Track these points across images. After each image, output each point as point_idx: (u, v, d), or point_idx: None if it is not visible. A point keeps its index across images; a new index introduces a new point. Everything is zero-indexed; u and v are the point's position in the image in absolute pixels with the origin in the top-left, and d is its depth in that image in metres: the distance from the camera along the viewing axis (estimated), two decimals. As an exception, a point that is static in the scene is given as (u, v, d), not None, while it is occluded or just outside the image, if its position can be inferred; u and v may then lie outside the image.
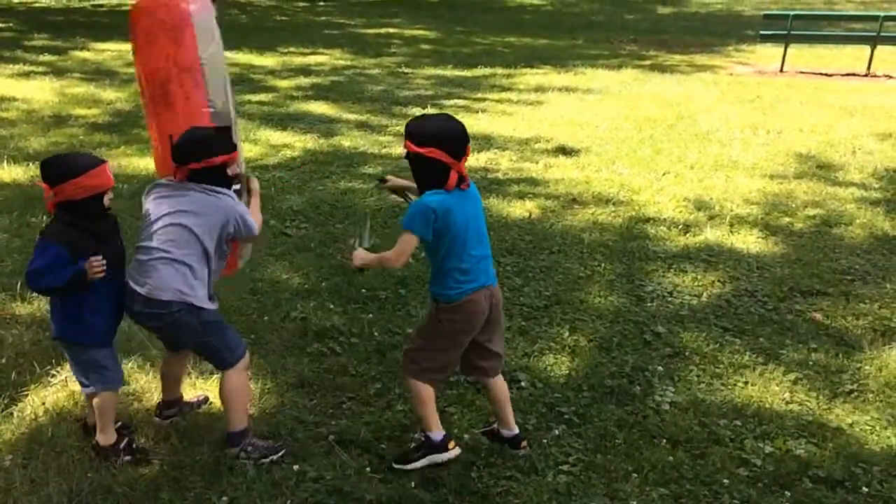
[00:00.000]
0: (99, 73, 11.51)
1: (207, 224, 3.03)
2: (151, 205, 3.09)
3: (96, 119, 8.90)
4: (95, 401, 3.14)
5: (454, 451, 3.17)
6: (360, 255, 3.09)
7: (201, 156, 3.01)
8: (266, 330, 4.29)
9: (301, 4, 23.55)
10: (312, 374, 3.86)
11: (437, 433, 3.15)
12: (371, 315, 4.51)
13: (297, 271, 5.06)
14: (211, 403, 3.59)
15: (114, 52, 13.48)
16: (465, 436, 3.40)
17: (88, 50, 13.63)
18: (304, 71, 12.21)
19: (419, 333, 3.20)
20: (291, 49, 14.32)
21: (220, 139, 3.13)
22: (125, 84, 10.73)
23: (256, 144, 7.99)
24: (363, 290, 4.80)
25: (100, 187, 2.92)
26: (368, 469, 3.18)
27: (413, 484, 3.10)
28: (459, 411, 3.60)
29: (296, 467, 3.18)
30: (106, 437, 3.19)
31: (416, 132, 2.94)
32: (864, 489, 3.11)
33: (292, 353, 4.06)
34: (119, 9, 20.93)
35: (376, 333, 4.30)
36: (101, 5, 21.80)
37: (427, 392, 3.11)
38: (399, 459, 3.20)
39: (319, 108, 9.71)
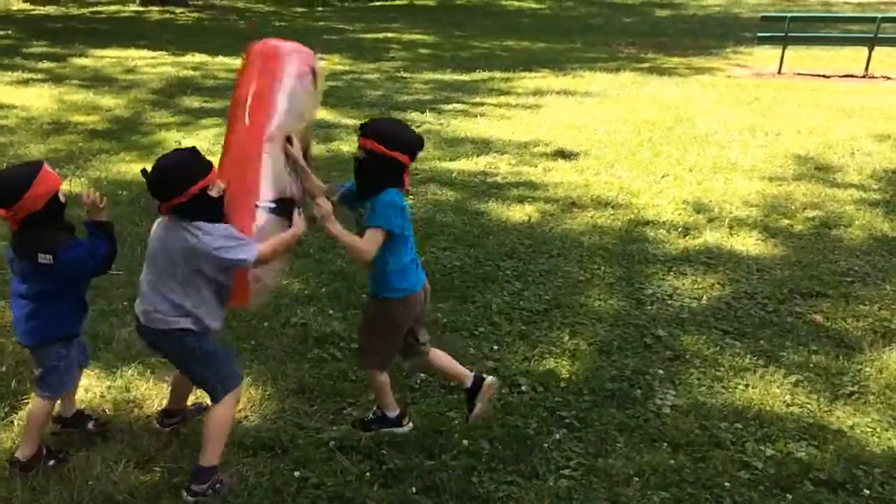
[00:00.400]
0: (98, 80, 11.52)
1: (186, 258, 2.93)
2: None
3: (95, 126, 8.91)
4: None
5: (408, 427, 3.48)
6: (337, 226, 3.08)
7: (182, 187, 2.86)
8: (266, 336, 4.29)
9: (299, 10, 23.59)
10: (313, 380, 3.86)
11: (394, 411, 3.47)
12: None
13: (296, 277, 5.06)
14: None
15: (112, 58, 13.50)
16: (465, 441, 3.40)
17: (87, 57, 13.64)
18: (303, 76, 12.18)
19: (370, 331, 3.39)
20: (290, 54, 14.30)
21: (197, 161, 2.96)
22: (124, 91, 10.75)
23: (255, 150, 7.98)
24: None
25: (52, 189, 2.98)
26: (369, 475, 3.18)
27: (414, 490, 3.10)
28: (460, 416, 3.60)
29: (297, 473, 3.17)
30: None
31: (387, 136, 3.09)
32: (866, 491, 3.11)
33: (293, 358, 4.06)
34: (117, 16, 20.99)
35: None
36: (100, 12, 21.84)
37: (385, 378, 3.43)
38: (358, 424, 3.49)
39: (319, 113, 9.69)
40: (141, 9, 22.43)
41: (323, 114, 9.65)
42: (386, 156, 3.07)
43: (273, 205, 3.11)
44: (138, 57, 13.66)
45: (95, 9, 22.70)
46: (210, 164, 2.99)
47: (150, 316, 3.00)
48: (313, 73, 3.32)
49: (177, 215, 2.92)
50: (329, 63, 13.58)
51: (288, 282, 4.99)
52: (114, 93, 10.61)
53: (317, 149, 8.03)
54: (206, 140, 8.39)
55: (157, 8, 22.13)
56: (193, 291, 2.97)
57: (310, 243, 5.61)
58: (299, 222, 3.10)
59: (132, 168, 7.27)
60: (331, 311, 4.60)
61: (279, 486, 3.10)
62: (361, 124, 3.20)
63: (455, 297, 4.78)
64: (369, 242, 3.10)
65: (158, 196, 2.92)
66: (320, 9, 23.92)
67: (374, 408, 3.55)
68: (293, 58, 3.28)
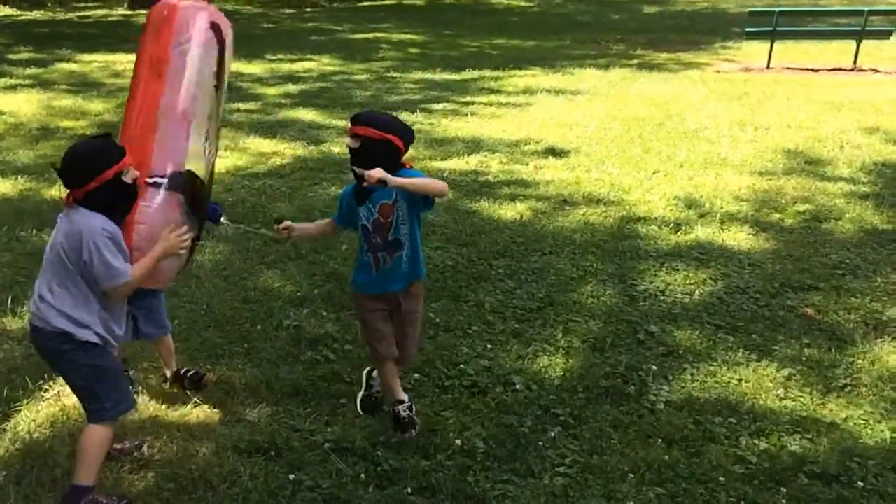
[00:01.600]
0: (85, 85, 11.47)
1: (71, 248, 2.80)
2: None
3: (84, 131, 8.86)
4: None
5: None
6: (396, 179, 3.10)
7: (93, 172, 2.76)
8: (259, 339, 4.28)
9: (288, 11, 23.55)
10: (307, 383, 3.85)
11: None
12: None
13: (289, 279, 5.05)
14: (211, 408, 3.57)
15: (100, 63, 13.45)
16: (458, 441, 3.39)
17: (75, 62, 13.59)
18: (292, 78, 12.19)
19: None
20: (279, 56, 14.31)
21: (110, 146, 2.86)
22: (112, 95, 10.70)
23: (245, 153, 7.97)
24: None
25: None
26: (364, 476, 3.17)
27: (409, 490, 3.09)
28: (455, 415, 3.59)
29: (291, 476, 3.17)
30: None
31: (377, 121, 3.20)
32: (860, 483, 3.12)
33: (286, 361, 4.05)
34: (105, 20, 20.91)
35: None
36: (87, 17, 21.76)
37: None
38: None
39: (308, 114, 9.70)
40: (129, 12, 22.36)
41: (312, 115, 9.66)
42: (380, 139, 3.13)
43: (163, 179, 2.97)
44: (126, 61, 13.59)
45: (82, 13, 22.62)
46: (123, 150, 2.87)
47: (40, 321, 2.86)
48: (220, 35, 3.25)
49: (86, 206, 2.79)
50: (318, 64, 13.57)
51: (280, 284, 4.99)
52: (102, 97, 10.57)
53: (308, 150, 8.04)
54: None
55: (144, 12, 22.02)
56: (92, 292, 2.83)
57: (302, 245, 5.60)
58: (169, 236, 2.91)
59: (122, 172, 7.24)
60: (324, 313, 4.59)
61: (274, 488, 3.09)
62: (352, 116, 3.26)
63: (448, 297, 4.78)
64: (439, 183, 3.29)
65: (69, 183, 2.81)
66: (309, 10, 23.89)
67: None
68: (197, 18, 3.17)
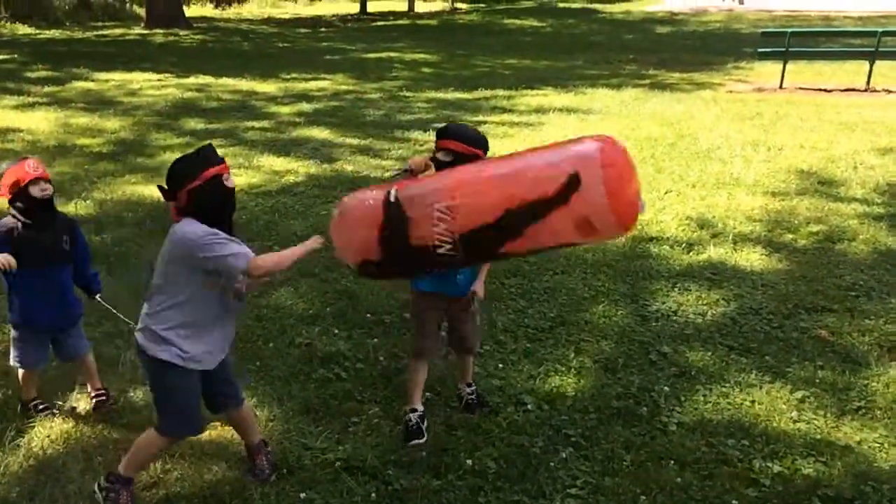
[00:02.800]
0: (102, 103, 11.61)
1: (170, 260, 2.90)
2: None
3: (100, 149, 8.97)
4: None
5: None
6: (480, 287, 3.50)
7: (190, 175, 2.85)
8: (271, 356, 4.30)
9: (302, 31, 23.79)
10: (318, 401, 3.86)
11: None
12: (376, 340, 4.52)
13: (301, 297, 5.07)
14: (223, 426, 3.58)
15: (116, 81, 13.62)
16: (469, 461, 3.39)
17: (91, 80, 13.77)
18: (306, 97, 12.30)
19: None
20: (293, 75, 14.44)
21: (208, 152, 2.95)
22: (128, 113, 10.83)
23: (259, 171, 8.03)
24: (368, 315, 4.80)
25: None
26: (375, 496, 3.17)
27: (420, 510, 3.09)
28: (465, 434, 3.59)
29: (302, 495, 3.17)
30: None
31: (467, 136, 3.34)
32: (874, 507, 3.09)
33: (297, 379, 4.06)
34: (122, 39, 21.18)
35: (381, 358, 4.30)
36: (104, 35, 22.05)
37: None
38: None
39: (321, 133, 9.77)
40: (145, 31, 22.65)
41: (326, 134, 9.73)
42: (470, 154, 3.27)
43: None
44: (142, 79, 13.78)
45: (99, 32, 22.92)
46: (219, 157, 2.96)
47: (139, 337, 2.97)
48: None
49: (188, 215, 2.86)
50: (332, 83, 13.68)
51: (293, 302, 5.01)
52: (118, 115, 10.70)
53: (321, 168, 8.09)
54: (211, 161, 8.43)
55: (161, 31, 22.33)
56: (181, 307, 2.88)
57: (315, 262, 5.63)
58: (313, 241, 3.03)
59: (137, 190, 7.32)
60: (336, 331, 4.61)
61: (285, 507, 3.09)
62: (439, 129, 3.39)
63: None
64: None
65: (168, 194, 2.89)
66: (323, 29, 24.12)
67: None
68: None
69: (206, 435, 3.55)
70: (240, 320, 4.64)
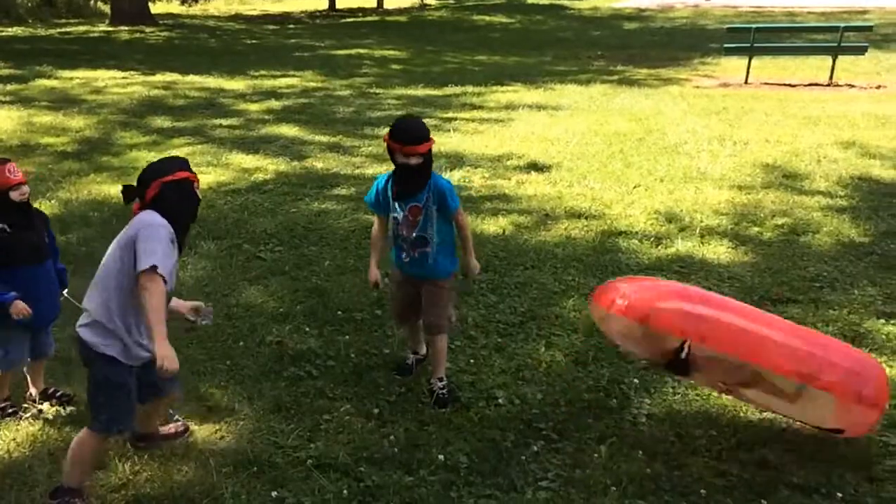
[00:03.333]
0: (66, 101, 11.43)
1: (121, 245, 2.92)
2: None
3: (65, 147, 8.83)
4: None
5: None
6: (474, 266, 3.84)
7: (166, 171, 3.00)
8: (242, 355, 4.27)
9: (270, 27, 23.59)
10: (289, 399, 3.84)
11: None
12: (347, 337, 4.50)
13: (271, 295, 5.04)
14: (190, 434, 3.55)
15: (81, 79, 13.40)
16: (441, 456, 3.39)
17: (55, 78, 13.54)
18: (275, 94, 12.21)
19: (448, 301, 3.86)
20: (262, 72, 14.33)
21: (175, 161, 3.11)
22: (93, 112, 10.67)
23: (228, 169, 7.96)
24: (339, 312, 4.79)
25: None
26: (347, 493, 3.16)
27: (392, 506, 3.09)
28: (437, 430, 3.60)
29: (274, 493, 3.15)
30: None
31: (426, 130, 3.57)
32: (839, 495, 3.15)
33: (268, 377, 4.04)
34: (86, 36, 20.84)
35: (353, 355, 4.29)
36: (68, 33, 21.68)
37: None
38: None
39: (290, 130, 9.71)
40: (110, 28, 22.31)
41: (295, 131, 9.68)
42: (431, 146, 3.57)
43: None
44: (107, 77, 13.58)
45: (63, 29, 22.54)
46: (184, 164, 3.08)
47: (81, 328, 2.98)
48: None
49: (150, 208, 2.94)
50: (301, 80, 13.60)
51: (263, 300, 4.98)
52: (82, 114, 10.54)
53: (290, 166, 8.04)
54: (178, 159, 8.34)
55: (126, 27, 22.02)
56: (125, 298, 2.87)
57: (285, 260, 5.61)
58: (169, 357, 2.73)
59: (103, 189, 7.22)
60: (307, 329, 4.59)
61: (256, 506, 3.08)
62: (406, 136, 3.52)
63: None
64: (467, 224, 3.84)
65: (135, 190, 2.98)
66: (292, 26, 23.95)
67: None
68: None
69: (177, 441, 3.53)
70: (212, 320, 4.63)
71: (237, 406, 3.77)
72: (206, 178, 7.66)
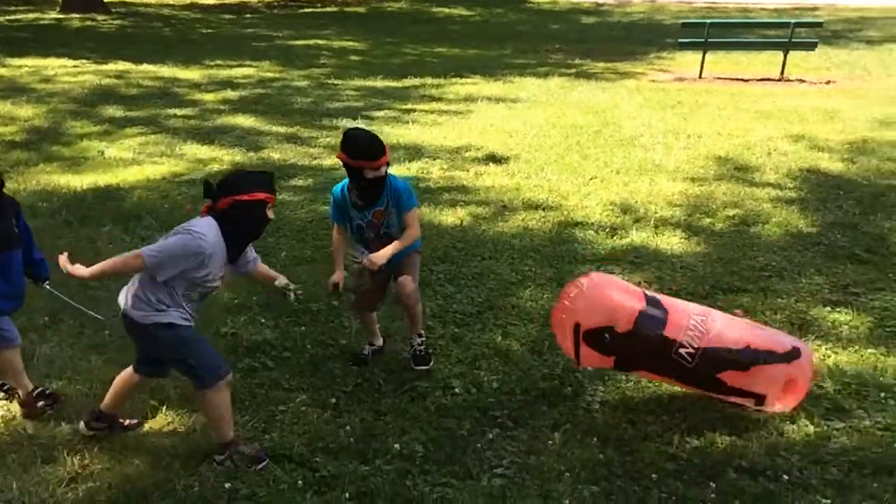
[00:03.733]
0: (14, 90, 11.13)
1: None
2: None
3: (13, 137, 8.60)
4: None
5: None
6: (381, 255, 3.67)
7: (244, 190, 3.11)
8: (195, 347, 4.21)
9: (227, 17, 23.22)
10: (244, 390, 3.81)
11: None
12: (304, 328, 4.48)
13: (226, 287, 4.97)
14: (145, 419, 3.50)
15: (30, 67, 13.06)
16: (397, 445, 3.40)
17: (3, 66, 13.16)
18: (231, 84, 12.04)
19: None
20: (217, 62, 14.11)
21: (255, 178, 3.22)
22: (42, 101, 10.41)
23: (182, 159, 7.84)
24: (295, 304, 4.75)
25: None
26: (302, 483, 3.16)
27: (347, 496, 3.09)
28: (394, 420, 3.60)
29: (227, 485, 3.13)
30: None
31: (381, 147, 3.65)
32: (785, 477, 3.23)
33: (223, 369, 4.00)
34: (36, 23, 20.28)
35: (309, 346, 4.27)
36: (18, 20, 21.08)
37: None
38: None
39: (247, 121, 9.59)
40: (61, 16, 21.74)
41: (251, 121, 9.56)
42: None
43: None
44: (58, 66, 13.25)
45: (12, 16, 21.90)
46: (266, 184, 3.20)
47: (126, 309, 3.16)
48: None
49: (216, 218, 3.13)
50: (258, 70, 13.43)
51: (218, 291, 4.91)
52: (31, 103, 10.27)
53: (247, 156, 7.96)
54: (130, 150, 8.20)
55: (77, 15, 21.47)
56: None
57: (240, 252, 5.54)
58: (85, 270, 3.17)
59: (52, 179, 7.05)
60: (262, 320, 4.55)
61: (209, 498, 3.05)
62: (373, 151, 3.60)
63: (388, 302, 4.77)
64: (415, 223, 3.80)
65: (211, 191, 3.14)
66: (249, 15, 23.60)
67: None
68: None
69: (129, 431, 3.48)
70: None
71: (190, 399, 3.72)
72: (160, 168, 7.54)
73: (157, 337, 3.11)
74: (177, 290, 3.08)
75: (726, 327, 3.60)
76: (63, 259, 3.21)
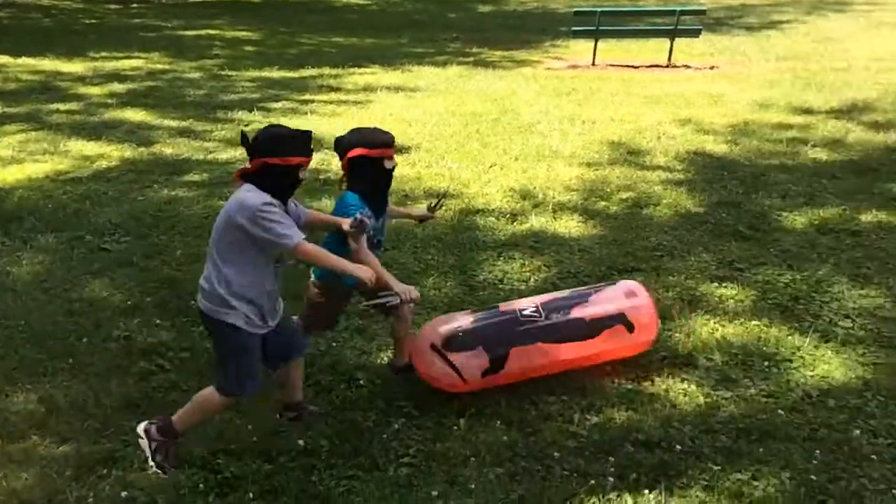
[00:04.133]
0: None
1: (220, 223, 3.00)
2: None
3: None
4: None
5: None
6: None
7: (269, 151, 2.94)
8: (86, 353, 4.04)
9: (112, 7, 22.21)
10: (140, 395, 3.68)
11: None
12: (202, 327, 4.34)
13: (118, 288, 4.80)
14: (33, 429, 3.33)
15: None
16: (301, 441, 3.37)
17: None
18: (118, 76, 11.55)
19: None
20: (103, 54, 13.50)
21: (299, 140, 3.02)
22: None
23: (67, 157, 7.48)
24: (192, 303, 4.59)
25: None
26: (203, 486, 3.08)
27: (251, 496, 3.04)
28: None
29: (124, 494, 3.02)
30: None
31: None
32: (678, 447, 3.37)
33: (116, 374, 3.85)
34: None
35: (208, 346, 4.13)
36: None
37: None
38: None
39: (137, 115, 9.22)
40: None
41: (141, 115, 9.21)
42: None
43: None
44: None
45: None
46: (311, 150, 3.04)
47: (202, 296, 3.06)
48: None
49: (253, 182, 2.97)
50: (147, 62, 12.93)
51: (109, 293, 4.73)
52: None
53: (137, 152, 7.66)
54: (10, 148, 7.76)
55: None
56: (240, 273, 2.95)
57: (132, 251, 5.34)
58: (366, 272, 3.04)
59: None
60: (158, 321, 4.40)
61: (106, 508, 2.94)
62: (388, 137, 3.44)
63: (290, 297, 4.69)
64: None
65: (249, 148, 2.98)
66: (135, 5, 22.65)
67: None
68: None
69: (14, 443, 3.31)
70: (48, 317, 4.36)
71: (81, 406, 3.57)
72: (42, 167, 7.17)
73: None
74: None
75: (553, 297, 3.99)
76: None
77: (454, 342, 3.63)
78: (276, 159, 2.92)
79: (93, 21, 18.86)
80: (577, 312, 3.82)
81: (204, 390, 3.16)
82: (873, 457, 3.31)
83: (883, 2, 20.11)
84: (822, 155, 7.59)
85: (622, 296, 3.98)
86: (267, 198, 2.91)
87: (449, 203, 6.36)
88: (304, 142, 3.00)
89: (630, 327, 3.87)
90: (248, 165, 3.00)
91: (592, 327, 3.80)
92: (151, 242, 5.52)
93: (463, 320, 3.80)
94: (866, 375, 3.92)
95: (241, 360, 3.05)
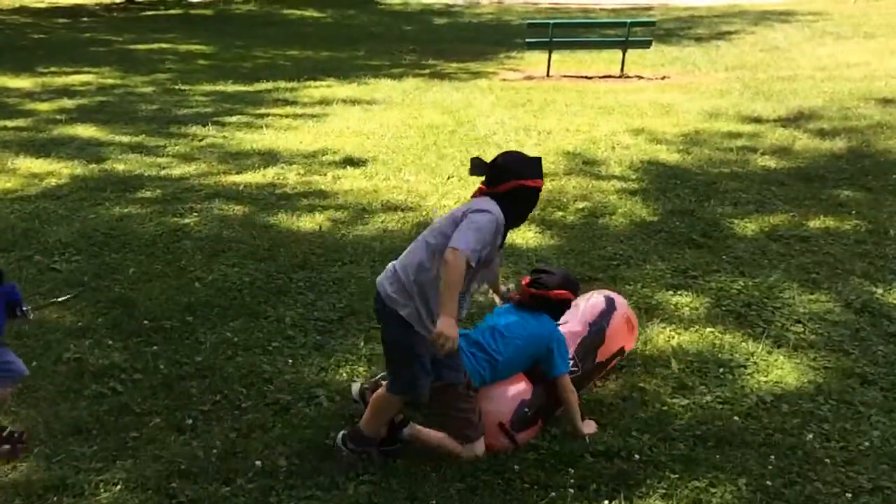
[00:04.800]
0: None
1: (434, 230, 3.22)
2: None
3: None
4: None
5: None
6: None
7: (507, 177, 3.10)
8: (34, 376, 3.91)
9: (61, 21, 21.81)
10: (91, 419, 3.59)
11: None
12: (156, 347, 4.28)
13: (68, 309, 4.69)
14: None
15: None
16: (259, 462, 3.32)
17: None
18: (68, 92, 11.33)
19: None
20: (52, 69, 13.24)
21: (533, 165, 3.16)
22: None
23: (14, 175, 7.30)
24: (145, 322, 4.54)
25: None
26: (158, 511, 3.01)
27: (208, 519, 2.98)
28: (259, 436, 3.51)
29: (76, 522, 2.94)
30: None
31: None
32: (637, 456, 3.40)
33: (66, 398, 3.76)
34: None
35: (162, 366, 4.08)
36: None
37: None
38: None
39: (87, 131, 9.05)
40: None
41: (92, 131, 9.05)
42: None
43: None
44: None
45: None
46: (540, 171, 3.17)
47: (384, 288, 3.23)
48: None
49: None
50: (97, 77, 12.70)
51: (59, 315, 4.61)
52: None
53: (88, 169, 7.51)
54: (-46, 166, 7.54)
55: None
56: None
57: (83, 271, 5.23)
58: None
59: None
60: (109, 342, 4.31)
61: (56, 538, 2.86)
62: (537, 166, 3.21)
63: (246, 314, 4.65)
64: None
65: (485, 171, 3.15)
66: (85, 19, 22.28)
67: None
68: None
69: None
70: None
71: (31, 432, 3.47)
72: (-12, 185, 6.98)
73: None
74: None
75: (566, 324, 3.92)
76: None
77: (521, 422, 3.49)
78: (530, 182, 3.11)
79: (41, 35, 18.50)
80: (600, 356, 3.92)
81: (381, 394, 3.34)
82: (826, 460, 3.37)
83: (827, 12, 20.71)
84: (770, 163, 7.76)
85: (625, 328, 4.10)
86: (499, 214, 3.07)
87: (406, 216, 6.35)
88: (539, 167, 3.19)
89: (623, 353, 4.12)
90: (483, 186, 3.19)
91: (606, 365, 4.00)
92: (103, 261, 5.41)
93: (523, 389, 3.56)
94: (818, 380, 4.00)
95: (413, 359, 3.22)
